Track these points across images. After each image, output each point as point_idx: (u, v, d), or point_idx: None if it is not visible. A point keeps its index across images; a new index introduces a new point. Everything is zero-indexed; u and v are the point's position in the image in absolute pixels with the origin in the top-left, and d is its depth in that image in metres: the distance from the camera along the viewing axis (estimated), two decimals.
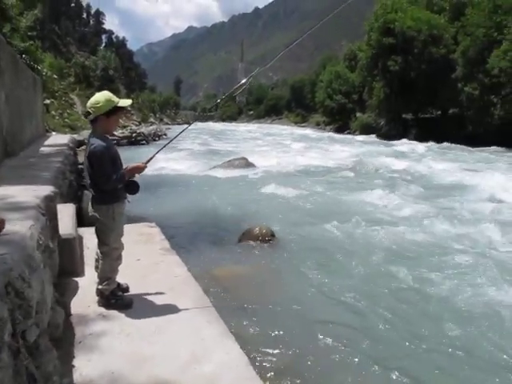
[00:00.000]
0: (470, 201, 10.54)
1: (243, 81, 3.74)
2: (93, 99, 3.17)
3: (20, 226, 2.40)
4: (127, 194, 3.30)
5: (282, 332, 4.39)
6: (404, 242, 7.26)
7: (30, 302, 1.80)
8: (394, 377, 3.75)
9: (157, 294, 3.52)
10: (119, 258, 3.37)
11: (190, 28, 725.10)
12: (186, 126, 4.39)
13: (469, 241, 7.36)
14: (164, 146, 3.57)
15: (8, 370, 1.52)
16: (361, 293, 5.35)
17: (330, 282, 5.71)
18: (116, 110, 3.21)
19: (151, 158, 3.35)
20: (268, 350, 4.01)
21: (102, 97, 3.16)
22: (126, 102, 3.29)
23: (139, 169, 3.24)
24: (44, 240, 2.61)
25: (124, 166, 3.28)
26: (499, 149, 26.29)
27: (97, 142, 3.10)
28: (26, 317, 1.77)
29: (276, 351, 4.03)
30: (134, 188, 3.23)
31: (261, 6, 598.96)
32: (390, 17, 37.64)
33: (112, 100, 3.16)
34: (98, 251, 3.33)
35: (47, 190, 3.70)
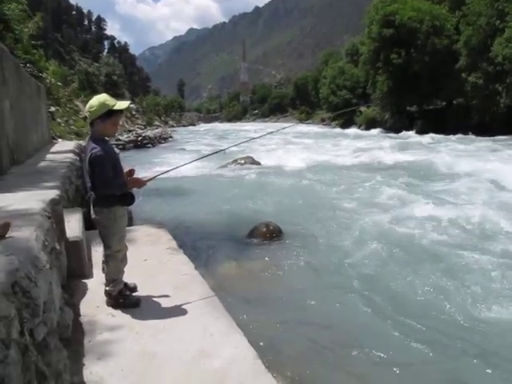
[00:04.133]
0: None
1: None
2: (89, 103, 3.15)
3: (26, 229, 2.44)
4: None
5: (290, 327, 4.41)
6: (415, 236, 7.09)
7: (36, 300, 1.83)
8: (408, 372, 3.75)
9: (164, 292, 3.55)
10: (124, 259, 3.39)
11: (191, 30, 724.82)
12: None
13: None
14: (167, 171, 3.69)
15: (16, 366, 1.55)
16: (370, 287, 5.33)
17: (338, 278, 5.70)
18: (112, 114, 3.15)
19: (153, 178, 3.39)
20: (276, 344, 4.02)
21: (96, 101, 3.12)
22: (122, 105, 3.22)
23: (140, 184, 3.24)
24: (50, 242, 2.65)
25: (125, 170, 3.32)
26: (508, 137, 26.05)
27: (97, 147, 3.05)
28: (34, 315, 1.81)
29: (284, 345, 4.05)
30: (129, 200, 3.26)
31: (261, 5, 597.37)
32: (389, 8, 37.44)
33: (106, 104, 3.11)
34: (103, 253, 3.36)
35: (52, 194, 3.74)
